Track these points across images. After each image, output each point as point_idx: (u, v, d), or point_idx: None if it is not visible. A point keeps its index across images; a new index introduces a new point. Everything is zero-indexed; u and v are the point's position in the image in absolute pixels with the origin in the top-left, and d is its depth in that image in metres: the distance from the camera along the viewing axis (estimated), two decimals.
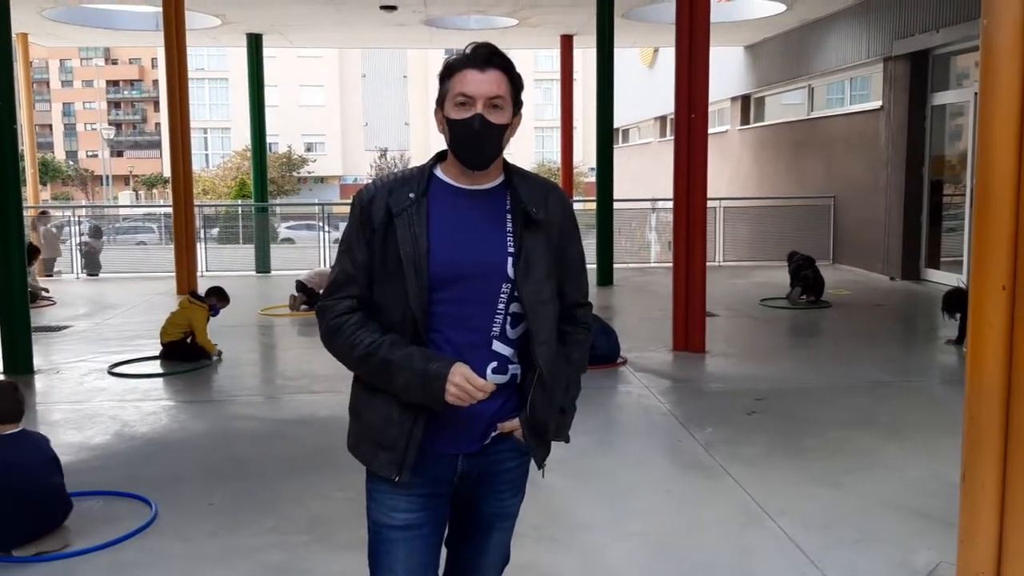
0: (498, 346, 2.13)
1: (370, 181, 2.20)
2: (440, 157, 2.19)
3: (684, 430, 5.52)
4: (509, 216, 2.13)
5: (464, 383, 1.99)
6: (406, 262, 2.04)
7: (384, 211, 2.08)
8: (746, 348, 8.18)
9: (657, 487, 4.57)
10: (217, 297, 8.03)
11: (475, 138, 2.05)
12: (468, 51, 2.07)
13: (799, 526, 3.99)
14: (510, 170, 2.17)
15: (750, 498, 4.35)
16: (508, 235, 2.12)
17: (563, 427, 2.26)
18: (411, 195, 2.09)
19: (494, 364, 2.12)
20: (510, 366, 2.15)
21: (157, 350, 7.74)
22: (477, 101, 2.04)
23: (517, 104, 2.11)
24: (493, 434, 2.16)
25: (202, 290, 8.45)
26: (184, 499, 4.43)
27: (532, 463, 2.29)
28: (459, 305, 2.08)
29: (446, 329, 2.09)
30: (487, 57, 2.05)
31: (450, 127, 2.08)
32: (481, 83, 2.04)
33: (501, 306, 2.11)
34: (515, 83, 2.10)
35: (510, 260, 2.10)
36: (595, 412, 5.93)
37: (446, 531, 2.32)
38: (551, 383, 2.15)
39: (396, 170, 2.23)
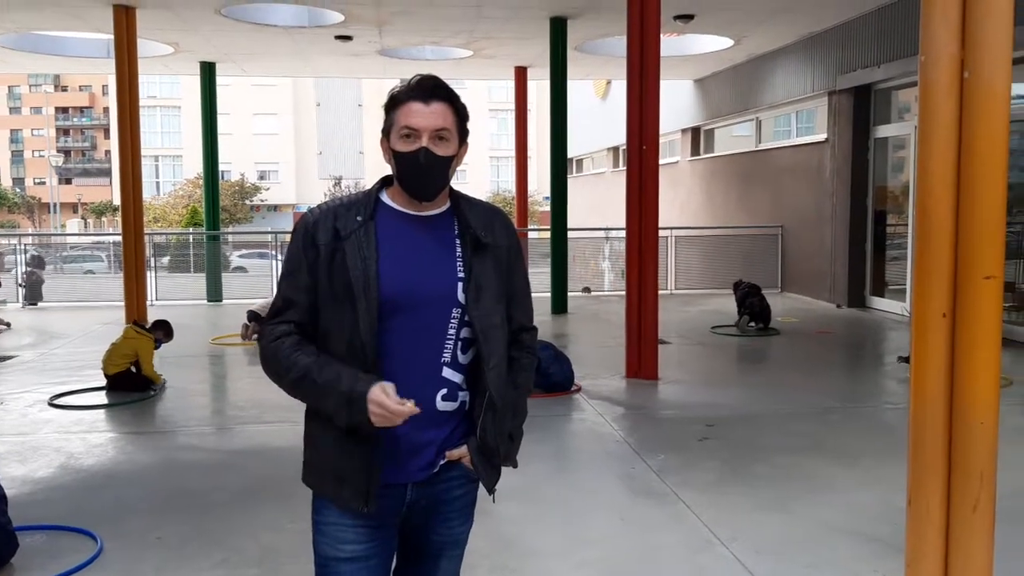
0: (448, 373, 2.13)
1: (315, 207, 2.19)
2: (386, 182, 2.19)
3: (637, 457, 5.55)
4: (458, 241, 2.14)
5: (377, 408, 1.96)
6: (355, 285, 2.03)
7: (331, 233, 2.07)
8: (698, 375, 8.27)
9: (610, 514, 4.59)
10: (163, 331, 7.87)
11: (421, 171, 2.06)
12: (413, 83, 2.08)
13: (750, 551, 4.03)
14: (456, 196, 2.19)
15: (702, 524, 4.38)
16: (458, 260, 2.13)
17: (511, 453, 2.26)
18: (358, 218, 2.09)
19: (444, 391, 2.12)
20: (460, 393, 2.15)
21: (103, 381, 7.57)
22: (423, 134, 2.05)
23: (463, 134, 2.13)
24: (441, 462, 2.16)
25: (152, 321, 8.28)
26: (131, 532, 4.33)
27: (483, 495, 2.28)
28: (409, 333, 2.08)
29: (396, 356, 2.08)
30: (431, 89, 2.07)
31: (396, 160, 2.08)
32: (426, 116, 2.05)
33: (452, 331, 2.11)
34: (460, 114, 2.11)
35: (460, 285, 2.11)
36: (549, 439, 5.94)
37: (394, 562, 2.30)
38: (501, 407, 2.16)
39: (342, 195, 2.23)
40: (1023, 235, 9.51)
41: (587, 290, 14.71)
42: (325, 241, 2.07)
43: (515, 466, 2.29)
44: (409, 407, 1.96)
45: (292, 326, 2.10)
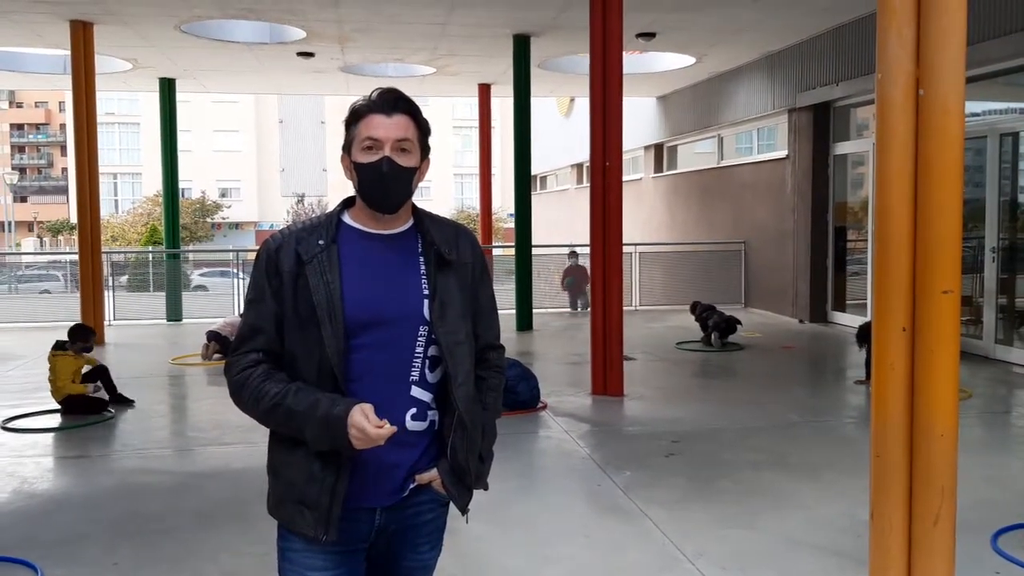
0: (417, 391, 2.10)
1: (277, 231, 2.17)
2: (347, 203, 2.17)
3: (603, 474, 5.54)
4: (422, 258, 2.13)
5: (357, 432, 1.94)
6: (320, 309, 2.01)
7: (294, 258, 2.06)
8: (663, 391, 8.28)
9: (577, 532, 4.56)
10: (79, 338, 7.44)
11: (383, 181, 2.05)
12: (374, 96, 2.08)
13: (716, 568, 4.03)
14: (419, 214, 2.18)
15: (668, 540, 4.37)
16: (422, 277, 2.11)
17: (482, 475, 2.23)
18: (320, 242, 2.07)
19: (413, 411, 2.10)
20: (429, 412, 2.13)
21: (58, 403, 7.39)
22: (384, 144, 2.05)
23: (425, 148, 2.13)
24: (411, 486, 2.13)
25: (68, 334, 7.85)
26: (86, 559, 4.22)
27: (451, 514, 2.25)
28: (376, 351, 2.06)
29: (364, 376, 2.05)
30: (393, 102, 2.07)
31: (358, 171, 2.07)
32: (389, 127, 2.05)
33: (420, 350, 2.09)
34: (422, 127, 2.11)
35: (426, 302, 2.09)
36: (515, 457, 5.91)
37: None
38: (470, 426, 2.14)
39: (304, 219, 2.21)
40: (978, 250, 9.69)
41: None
42: (288, 267, 2.06)
43: (486, 488, 2.27)
44: (388, 428, 1.94)
45: (259, 355, 2.08)
